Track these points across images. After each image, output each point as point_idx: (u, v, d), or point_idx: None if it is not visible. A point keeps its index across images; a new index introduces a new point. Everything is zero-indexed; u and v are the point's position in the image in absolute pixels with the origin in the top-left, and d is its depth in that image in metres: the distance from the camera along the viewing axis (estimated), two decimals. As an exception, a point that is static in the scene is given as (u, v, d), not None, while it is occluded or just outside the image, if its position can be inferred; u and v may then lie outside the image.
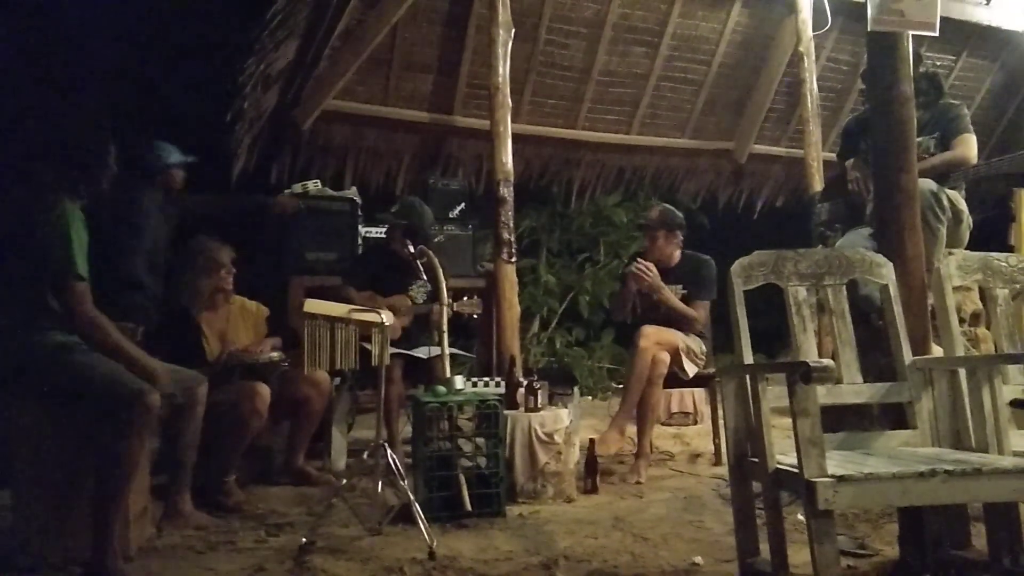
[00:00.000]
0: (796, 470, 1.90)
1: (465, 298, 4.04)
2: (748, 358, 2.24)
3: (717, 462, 4.14)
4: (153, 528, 2.90)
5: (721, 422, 4.03)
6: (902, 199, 2.44)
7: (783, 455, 2.09)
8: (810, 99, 5.90)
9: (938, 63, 6.20)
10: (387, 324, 2.88)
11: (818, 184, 5.85)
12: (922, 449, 2.22)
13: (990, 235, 3.78)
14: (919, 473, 1.84)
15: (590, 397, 6.35)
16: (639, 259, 4.17)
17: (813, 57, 5.88)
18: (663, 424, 5.29)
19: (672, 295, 4.08)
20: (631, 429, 4.03)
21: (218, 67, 4.38)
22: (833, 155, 6.10)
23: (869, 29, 2.48)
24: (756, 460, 2.13)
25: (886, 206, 2.49)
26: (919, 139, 3.20)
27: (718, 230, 7.31)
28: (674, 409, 5.40)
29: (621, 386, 4.62)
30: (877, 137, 2.54)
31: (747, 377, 2.14)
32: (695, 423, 5.41)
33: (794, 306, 2.35)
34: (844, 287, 2.39)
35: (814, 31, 5.70)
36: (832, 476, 1.82)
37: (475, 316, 4.16)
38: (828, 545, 1.81)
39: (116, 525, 2.42)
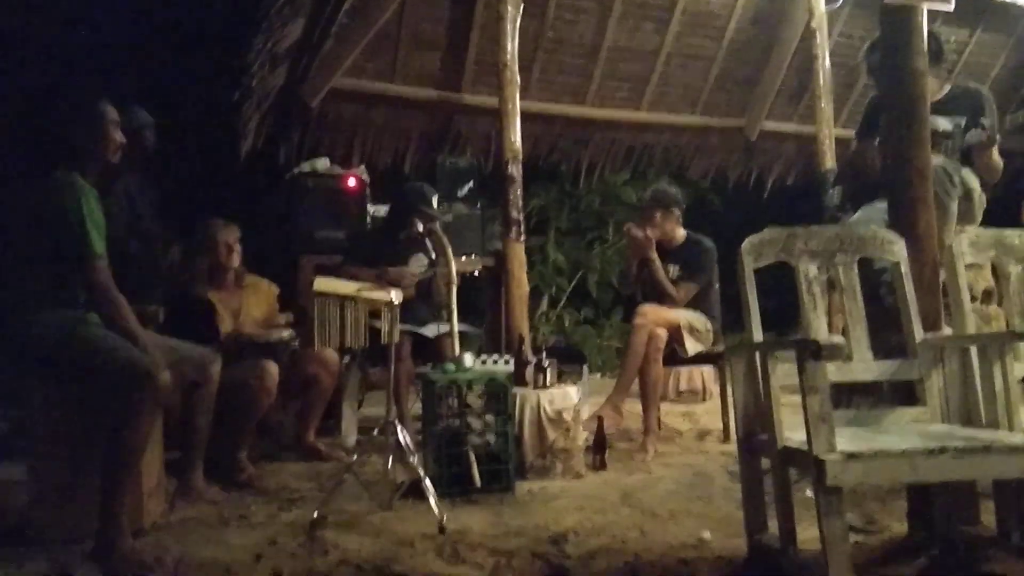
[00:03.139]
0: (805, 447, 1.90)
1: (463, 257, 4.03)
2: (758, 335, 2.23)
3: (726, 439, 4.14)
4: (166, 503, 2.94)
5: (731, 400, 4.06)
6: (914, 174, 2.42)
7: (792, 432, 2.10)
8: (822, 75, 5.85)
9: (952, 38, 6.12)
10: (397, 303, 2.89)
11: (830, 161, 5.82)
12: (932, 426, 2.21)
13: (1003, 211, 3.74)
14: (929, 450, 1.83)
15: (599, 375, 6.36)
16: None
17: (826, 32, 5.82)
18: (672, 402, 5.30)
19: (660, 269, 4.09)
20: (629, 405, 4.05)
21: (225, 46, 4.35)
22: (846, 131, 6.11)
23: (885, 2, 2.44)
24: (765, 437, 2.14)
25: (898, 181, 2.47)
26: (938, 120, 3.18)
27: (728, 208, 7.29)
28: (683, 387, 5.41)
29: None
30: (889, 111, 2.52)
31: (756, 354, 2.14)
32: (704, 401, 5.41)
33: (804, 283, 2.34)
34: (855, 264, 2.38)
35: (826, 5, 5.63)
36: (841, 453, 1.82)
37: (476, 273, 4.16)
38: (837, 521, 1.81)
39: (124, 503, 2.44)
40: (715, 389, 5.14)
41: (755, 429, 2.23)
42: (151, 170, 3.93)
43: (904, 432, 2.11)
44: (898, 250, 2.39)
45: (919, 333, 2.33)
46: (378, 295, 2.85)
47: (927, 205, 2.43)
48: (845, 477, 1.81)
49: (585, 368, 4.24)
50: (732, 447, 3.91)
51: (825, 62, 5.81)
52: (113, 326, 2.58)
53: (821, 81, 5.87)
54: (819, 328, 2.29)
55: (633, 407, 4.22)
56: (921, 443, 1.91)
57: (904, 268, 2.37)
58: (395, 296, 2.90)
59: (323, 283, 2.80)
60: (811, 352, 1.84)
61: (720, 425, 4.30)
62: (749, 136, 6.61)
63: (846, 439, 1.97)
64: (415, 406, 3.98)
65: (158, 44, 4.82)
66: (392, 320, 2.89)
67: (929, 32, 3.20)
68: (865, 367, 2.31)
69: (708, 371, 5.36)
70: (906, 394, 2.39)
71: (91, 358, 2.52)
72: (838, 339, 1.86)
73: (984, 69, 6.71)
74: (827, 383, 1.86)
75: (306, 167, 4.68)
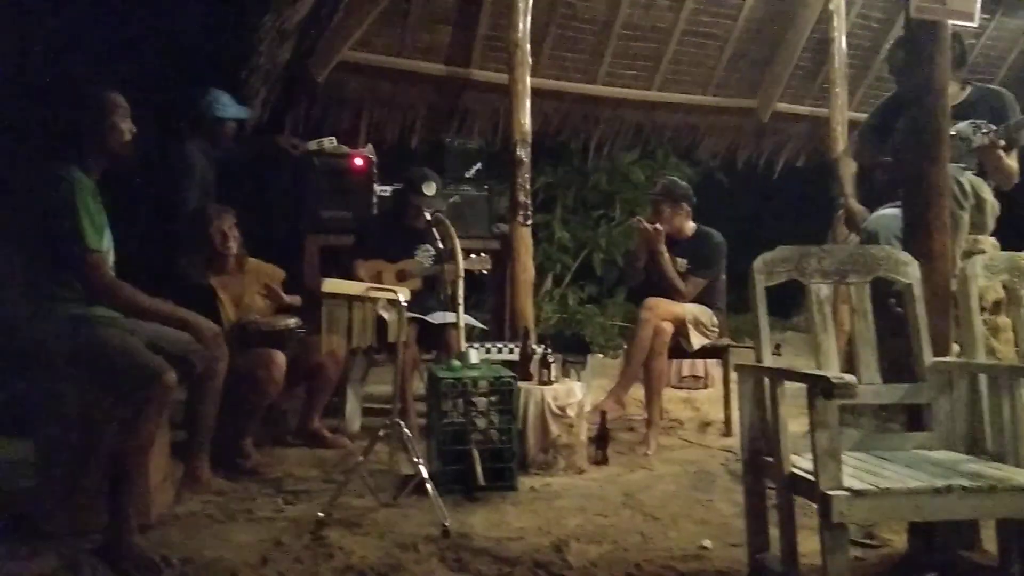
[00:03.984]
0: (811, 477, 1.91)
1: (473, 255, 4.03)
2: (767, 358, 2.23)
3: (727, 432, 4.18)
4: (173, 494, 2.96)
5: (733, 391, 4.08)
6: (931, 195, 2.39)
7: (797, 455, 2.10)
8: (838, 58, 5.77)
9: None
10: (404, 301, 2.88)
11: (842, 146, 5.75)
12: (936, 453, 2.22)
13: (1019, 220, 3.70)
14: (935, 489, 1.84)
15: (600, 355, 6.38)
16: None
17: (843, 14, 5.72)
18: (674, 387, 5.33)
19: (668, 262, 4.08)
20: (632, 395, 4.07)
21: (233, 20, 4.27)
22: (859, 115, 6.02)
23: (910, 15, 2.38)
24: (771, 460, 2.14)
25: (914, 201, 2.44)
26: (957, 126, 3.13)
27: (737, 189, 7.23)
28: (685, 373, 5.43)
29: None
30: (907, 126, 2.48)
31: (765, 380, 2.13)
32: (706, 387, 5.44)
33: (816, 304, 2.32)
34: (867, 286, 2.36)
35: (845, -12, 5.51)
36: (848, 489, 1.83)
37: (484, 272, 4.16)
38: (840, 556, 1.83)
39: (131, 500, 2.46)
40: (717, 374, 5.17)
41: (761, 449, 2.24)
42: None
43: (909, 461, 2.12)
44: (911, 271, 2.37)
45: (928, 357, 2.32)
46: (386, 295, 2.84)
47: (942, 226, 2.40)
48: (851, 514, 1.82)
49: (588, 359, 4.24)
50: (733, 441, 3.95)
51: (841, 45, 5.72)
52: (130, 313, 2.58)
53: (836, 64, 5.80)
54: (829, 351, 2.28)
55: (635, 392, 4.25)
56: (927, 479, 1.91)
57: (917, 290, 2.35)
58: (403, 295, 2.89)
59: (331, 284, 2.79)
60: (822, 390, 1.83)
61: (722, 416, 4.34)
62: (761, 117, 6.52)
63: (851, 471, 1.98)
64: (419, 386, 4.01)
65: (162, 14, 4.72)
66: (400, 319, 2.88)
67: (953, 34, 3.15)
68: (873, 391, 2.31)
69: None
70: (913, 415, 2.39)
71: (98, 358, 2.52)
72: (850, 378, 1.84)
73: (1001, 54, 6.60)
74: (837, 420, 1.86)
75: (313, 145, 4.62)
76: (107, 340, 2.54)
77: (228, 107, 4.16)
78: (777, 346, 6.07)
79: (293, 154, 4.59)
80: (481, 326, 4.38)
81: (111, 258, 2.67)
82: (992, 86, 3.50)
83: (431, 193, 4.01)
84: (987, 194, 3.25)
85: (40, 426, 2.70)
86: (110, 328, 2.58)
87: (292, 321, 3.56)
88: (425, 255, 4.14)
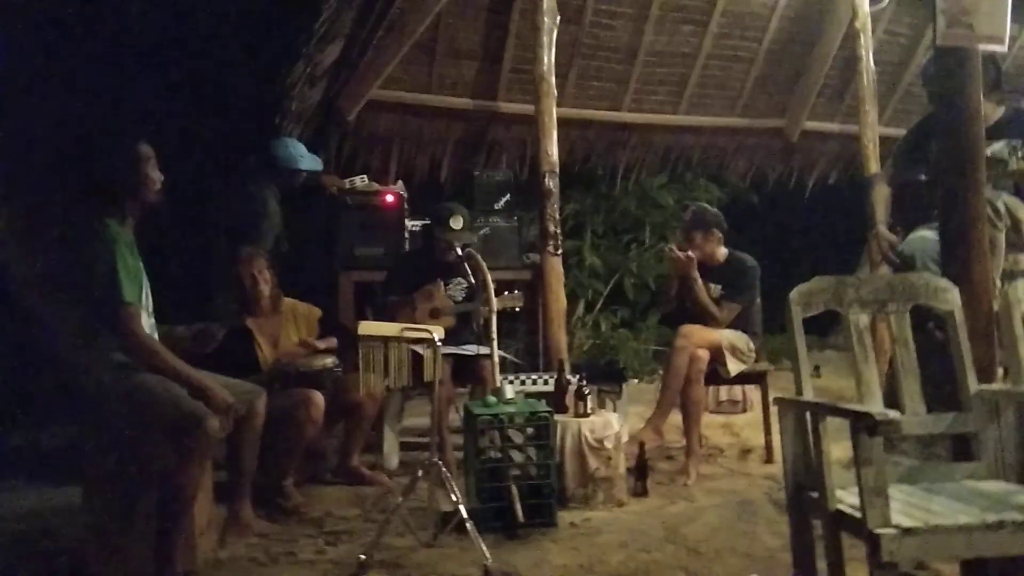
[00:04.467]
0: (858, 514, 1.88)
1: (506, 292, 4.04)
2: (808, 393, 2.20)
3: (768, 459, 4.12)
4: (216, 538, 3.00)
5: (773, 417, 4.03)
6: (968, 222, 2.36)
7: (843, 489, 2.07)
8: (866, 76, 5.71)
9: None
10: (439, 340, 2.90)
11: (874, 164, 5.69)
12: (986, 484, 2.16)
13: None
14: (987, 525, 1.80)
15: (636, 380, 6.34)
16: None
17: (870, 33, 5.66)
18: (711, 412, 5.26)
19: (702, 289, 4.05)
20: (670, 422, 4.03)
21: (265, 68, 4.39)
22: (890, 130, 5.97)
23: (937, 43, 2.37)
24: (815, 495, 2.11)
25: (951, 229, 2.41)
26: (993, 147, 3.09)
27: (768, 208, 7.18)
28: (722, 398, 5.37)
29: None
30: (942, 155, 2.45)
31: (808, 415, 2.11)
32: (744, 411, 5.37)
33: (855, 334, 2.29)
34: (907, 314, 2.33)
35: (871, 5, 5.48)
36: (896, 527, 1.79)
37: (516, 310, 4.16)
38: (891, 596, 1.79)
39: (177, 548, 2.50)
40: (755, 397, 5.11)
41: (804, 484, 2.20)
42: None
43: (958, 493, 2.07)
44: (952, 298, 2.33)
45: (974, 385, 2.27)
46: (421, 334, 2.86)
47: (982, 251, 2.38)
48: (900, 553, 1.78)
49: (624, 388, 4.21)
50: (775, 468, 3.88)
51: (869, 63, 5.67)
52: (155, 371, 2.62)
53: (865, 82, 5.73)
54: (871, 383, 2.24)
55: (673, 418, 4.20)
56: (978, 513, 1.87)
57: (959, 317, 2.31)
58: (437, 333, 2.91)
59: (367, 327, 2.82)
60: (866, 427, 1.80)
61: (762, 442, 4.27)
62: (790, 137, 6.49)
63: (899, 505, 1.94)
64: (455, 418, 4.02)
65: (196, 57, 4.85)
66: (435, 358, 2.90)
67: (988, 58, 3.13)
68: (918, 422, 2.26)
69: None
70: (960, 444, 2.35)
71: (142, 405, 2.57)
72: (894, 414, 1.81)
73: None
74: (882, 456, 1.83)
75: (345, 184, 4.71)
76: (151, 387, 2.59)
77: (303, 158, 4.35)
78: (816, 367, 6.02)
79: (329, 192, 4.68)
80: (515, 360, 4.38)
81: (150, 305, 2.72)
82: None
83: (458, 227, 4.02)
84: (1022, 212, 3.19)
85: (88, 474, 2.76)
86: (153, 376, 2.63)
87: (329, 361, 3.59)
88: (458, 288, 4.16)
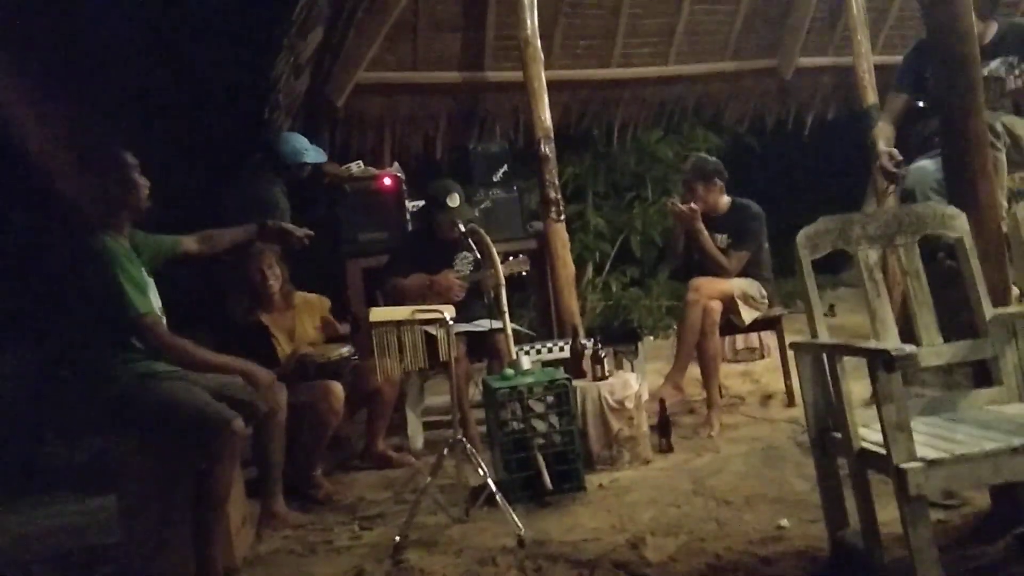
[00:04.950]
0: (883, 451, 1.88)
1: (511, 257, 4.03)
2: (823, 335, 2.19)
3: (790, 403, 4.12)
4: (253, 534, 3.04)
5: (791, 361, 4.02)
6: (969, 146, 2.32)
7: (866, 427, 2.07)
8: (855, 5, 5.63)
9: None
10: (451, 319, 2.91)
11: (871, 95, 5.63)
12: (1010, 408, 2.16)
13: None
14: (1012, 448, 1.80)
15: (651, 337, 6.34)
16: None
17: (856, -41, 5.56)
18: (730, 361, 5.27)
19: (708, 240, 4.03)
20: (689, 375, 4.04)
21: (249, 62, 4.36)
22: (885, 58, 5.88)
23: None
24: (839, 436, 2.11)
25: (953, 153, 2.37)
26: (990, 65, 3.04)
27: (768, 151, 7.11)
28: (739, 346, 5.36)
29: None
30: (938, 79, 2.41)
31: (824, 357, 2.10)
32: (762, 357, 5.37)
33: (866, 271, 2.27)
34: (916, 245, 2.31)
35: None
36: (922, 460, 1.80)
37: (524, 273, 4.16)
38: (923, 528, 1.80)
39: (217, 546, 2.54)
40: (772, 343, 5.10)
41: (827, 426, 2.21)
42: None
43: (982, 420, 2.07)
44: (960, 225, 2.30)
45: (989, 310, 2.26)
46: (432, 315, 2.87)
47: (986, 174, 2.34)
48: (929, 485, 1.79)
49: (639, 346, 4.21)
50: (797, 411, 3.89)
51: (858, -9, 5.57)
52: (191, 368, 2.65)
53: (855, 11, 5.65)
54: (885, 318, 2.24)
55: (692, 372, 4.21)
56: (1003, 438, 1.87)
57: (968, 243, 2.29)
58: (448, 313, 2.92)
59: (378, 313, 2.83)
60: (884, 363, 1.80)
61: (782, 387, 4.27)
62: (783, 75, 6.40)
63: (923, 438, 1.94)
64: (474, 393, 4.04)
65: (181, 56, 4.83)
66: (448, 337, 2.91)
67: None
68: (935, 352, 2.26)
69: (765, 329, 5.29)
70: (980, 371, 2.34)
71: (168, 413, 2.60)
72: (910, 348, 1.80)
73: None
74: (902, 391, 1.83)
75: (354, 168, 4.71)
76: (174, 394, 2.62)
77: (308, 152, 4.35)
78: (831, 306, 6.03)
79: (328, 181, 4.67)
80: (528, 332, 4.39)
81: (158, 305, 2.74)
82: (1018, 19, 3.37)
83: (456, 205, 3.97)
84: (1022, 129, 3.15)
85: (121, 482, 2.80)
86: (176, 382, 2.66)
87: (345, 350, 3.61)
88: (464, 263, 4.15)
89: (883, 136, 3.46)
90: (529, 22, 4.70)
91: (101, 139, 2.92)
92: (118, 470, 2.77)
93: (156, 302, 2.73)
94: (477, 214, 4.23)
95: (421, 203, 4.69)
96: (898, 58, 3.85)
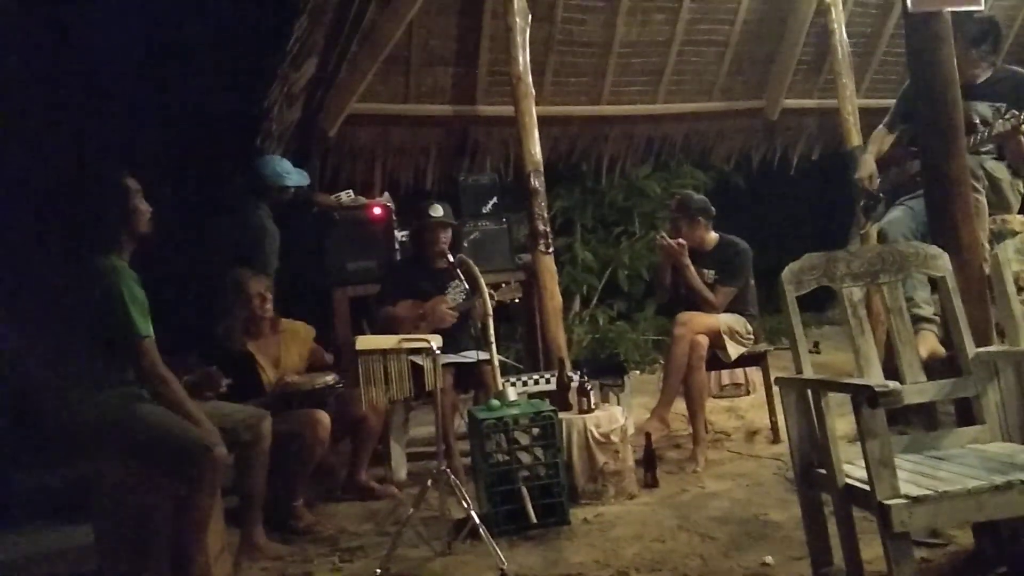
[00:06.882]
0: (867, 487, 1.88)
1: (503, 285, 4.05)
2: (808, 370, 2.21)
3: (775, 439, 4.13)
4: (231, 564, 2.99)
5: (776, 397, 4.04)
6: (951, 187, 2.37)
7: (850, 463, 2.07)
8: (840, 49, 5.73)
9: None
10: (438, 348, 2.90)
11: (856, 137, 5.71)
12: (992, 447, 2.18)
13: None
14: (995, 487, 1.81)
15: (637, 372, 6.34)
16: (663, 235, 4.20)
17: (840, 4, 5.69)
18: (715, 397, 5.27)
19: (695, 275, 4.06)
20: (675, 410, 4.04)
21: (243, 91, 4.39)
22: (869, 101, 5.99)
23: (909, 10, 2.38)
24: (823, 472, 2.11)
25: (935, 195, 2.42)
26: (978, 107, 3.11)
27: (755, 189, 7.20)
28: (725, 381, 5.37)
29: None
30: (921, 122, 2.46)
31: (809, 392, 2.11)
32: (748, 393, 5.38)
33: (850, 308, 2.30)
34: (900, 284, 2.34)
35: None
36: (906, 497, 1.80)
37: (516, 301, 4.18)
38: (906, 566, 1.80)
39: (195, 574, 2.50)
40: (758, 379, 5.11)
41: (812, 461, 2.21)
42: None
43: (964, 458, 2.08)
44: (943, 264, 2.34)
45: (971, 348, 2.29)
46: (419, 344, 2.87)
47: (967, 216, 2.39)
48: (912, 522, 1.79)
49: (626, 380, 4.21)
50: (782, 448, 3.90)
51: (842, 36, 5.69)
52: (164, 403, 2.62)
53: (840, 55, 5.75)
54: (869, 355, 2.26)
55: (678, 406, 4.21)
56: (986, 476, 1.88)
57: (951, 282, 2.32)
58: (435, 342, 2.92)
59: (365, 341, 2.82)
60: (867, 399, 1.81)
61: (767, 423, 4.28)
62: (770, 116, 6.51)
63: (907, 475, 1.95)
64: (460, 426, 4.02)
65: (173, 86, 4.86)
66: (435, 366, 2.91)
67: (989, 19, 3.15)
68: (919, 389, 2.27)
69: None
70: (963, 409, 2.36)
71: (148, 437, 2.57)
72: (894, 385, 1.82)
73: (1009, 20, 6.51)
74: (886, 428, 1.84)
75: (343, 197, 4.73)
76: (156, 418, 2.59)
77: (291, 175, 4.34)
78: (816, 344, 6.06)
79: (318, 208, 4.68)
80: (515, 364, 4.39)
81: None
82: (1017, 69, 3.43)
83: (439, 214, 4.06)
84: (1001, 173, 3.22)
85: (98, 511, 2.75)
86: (158, 407, 2.63)
87: (330, 378, 3.59)
88: (457, 291, 4.15)
89: (865, 165, 3.55)
90: (521, 59, 4.76)
91: (104, 163, 2.92)
92: (94, 498, 2.73)
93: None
94: (456, 222, 4.30)
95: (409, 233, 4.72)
96: (882, 101, 3.94)
